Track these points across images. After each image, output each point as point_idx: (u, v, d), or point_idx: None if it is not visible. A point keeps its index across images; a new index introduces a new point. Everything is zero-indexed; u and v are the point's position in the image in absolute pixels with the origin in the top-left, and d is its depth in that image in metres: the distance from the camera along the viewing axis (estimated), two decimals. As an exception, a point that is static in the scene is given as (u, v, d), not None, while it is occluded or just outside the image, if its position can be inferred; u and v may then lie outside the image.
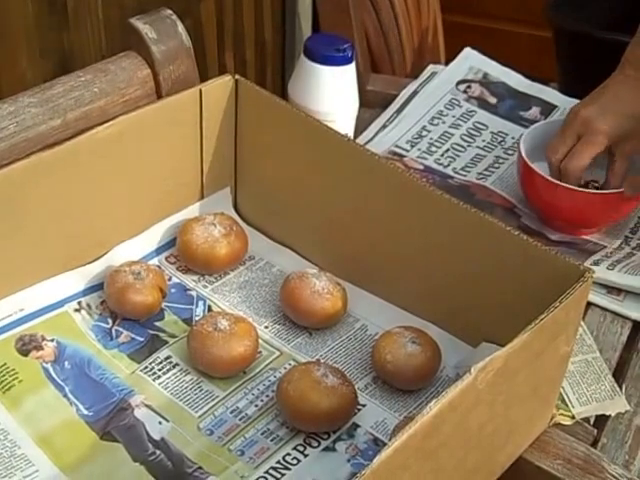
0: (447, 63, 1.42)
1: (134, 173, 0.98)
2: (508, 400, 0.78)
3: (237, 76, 1.01)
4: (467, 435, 0.75)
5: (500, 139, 1.28)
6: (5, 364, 0.90)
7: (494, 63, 1.39)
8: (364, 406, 0.90)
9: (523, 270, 0.86)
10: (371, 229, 0.98)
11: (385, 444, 0.85)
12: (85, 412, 0.87)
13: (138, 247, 1.02)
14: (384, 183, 0.94)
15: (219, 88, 1.01)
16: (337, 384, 0.86)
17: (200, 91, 0.99)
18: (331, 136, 0.96)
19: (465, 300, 0.92)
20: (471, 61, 1.40)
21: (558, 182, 1.10)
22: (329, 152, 0.97)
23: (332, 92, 1.08)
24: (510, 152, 1.25)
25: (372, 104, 1.32)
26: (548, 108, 1.33)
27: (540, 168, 1.11)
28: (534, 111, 1.33)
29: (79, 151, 0.92)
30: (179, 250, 1.02)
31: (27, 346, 0.92)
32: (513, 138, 1.28)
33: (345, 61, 1.07)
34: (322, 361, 0.92)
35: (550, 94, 1.36)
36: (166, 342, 0.95)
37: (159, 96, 1.00)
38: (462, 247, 0.90)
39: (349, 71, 1.08)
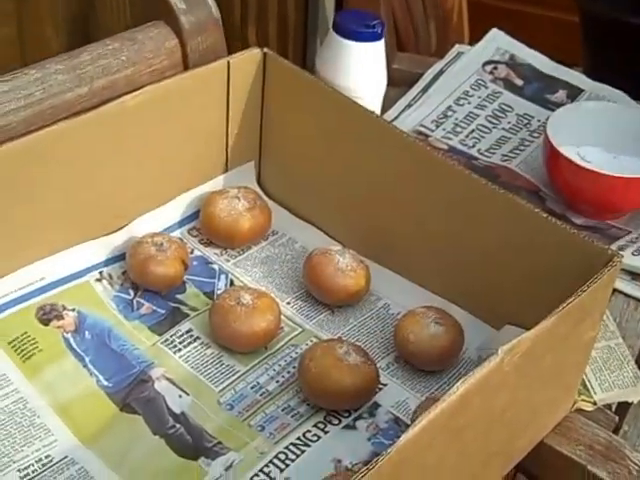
0: (471, 44, 1.41)
1: (159, 144, 0.97)
2: (532, 384, 0.77)
3: (265, 49, 1.00)
4: (491, 417, 0.74)
5: (526, 121, 1.27)
6: (26, 333, 0.89)
7: (521, 45, 1.37)
8: (385, 385, 0.89)
9: (550, 253, 0.85)
10: (397, 207, 0.97)
11: (406, 424, 0.86)
12: (105, 383, 0.87)
13: (161, 219, 1.01)
14: (411, 160, 0.93)
15: (247, 61, 1.00)
16: (360, 362, 0.85)
17: (228, 63, 0.98)
18: (359, 112, 0.96)
19: (490, 281, 0.91)
20: (498, 42, 1.38)
21: (583, 165, 1.08)
22: (356, 128, 0.96)
23: (361, 68, 1.06)
24: (536, 135, 1.24)
25: (397, 83, 1.30)
26: (575, 92, 1.32)
27: (566, 151, 1.10)
28: (560, 94, 1.32)
29: (105, 120, 0.91)
30: (202, 223, 1.01)
31: (48, 315, 0.91)
32: (539, 121, 1.26)
33: (375, 37, 1.06)
34: (344, 339, 0.92)
35: (577, 78, 1.34)
36: (187, 315, 0.94)
37: (186, 67, 0.99)
38: (489, 228, 0.90)
39: (378, 47, 1.07)
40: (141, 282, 0.95)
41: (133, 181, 0.97)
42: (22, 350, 0.87)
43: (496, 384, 0.70)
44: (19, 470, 0.79)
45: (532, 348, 0.72)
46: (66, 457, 0.80)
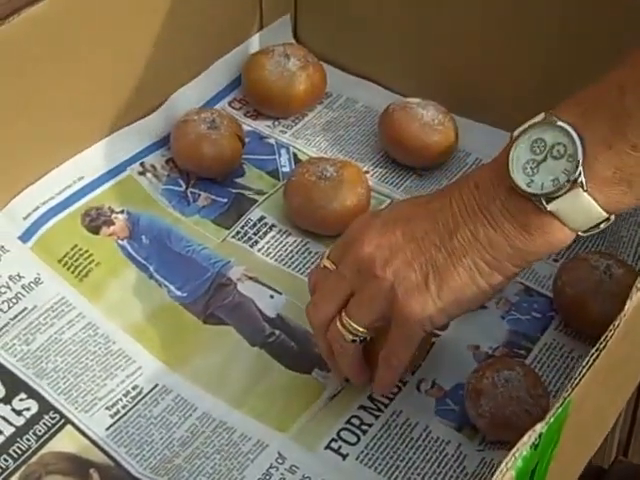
0: None
1: (187, 5, 0.81)
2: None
3: None
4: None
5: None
6: (76, 246, 0.74)
7: None
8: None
9: None
10: (475, 48, 0.83)
11: (539, 293, 0.73)
12: (178, 293, 0.73)
13: (197, 93, 0.86)
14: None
15: None
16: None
17: None
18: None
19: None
20: None
21: None
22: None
23: None
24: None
25: None
26: None
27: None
28: None
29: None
30: (248, 90, 0.86)
31: (96, 222, 0.76)
32: None
33: None
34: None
35: None
36: (255, 200, 0.80)
37: None
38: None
39: None
40: (193, 168, 0.80)
41: (162, 54, 0.81)
42: (76, 267, 0.73)
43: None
44: (107, 408, 0.65)
45: None
46: (156, 385, 0.67)
